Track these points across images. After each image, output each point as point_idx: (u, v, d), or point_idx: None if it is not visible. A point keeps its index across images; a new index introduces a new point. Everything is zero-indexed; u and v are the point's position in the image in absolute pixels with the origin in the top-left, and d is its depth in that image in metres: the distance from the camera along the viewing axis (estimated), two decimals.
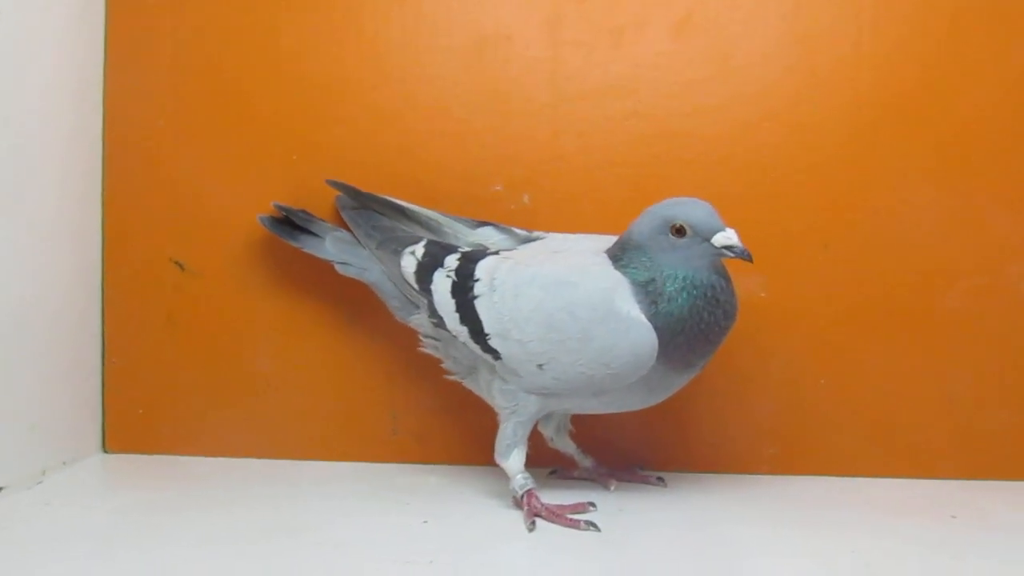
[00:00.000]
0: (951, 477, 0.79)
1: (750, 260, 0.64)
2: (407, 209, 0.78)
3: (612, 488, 0.76)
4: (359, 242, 0.78)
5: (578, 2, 0.80)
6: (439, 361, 0.77)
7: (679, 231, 0.65)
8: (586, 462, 0.78)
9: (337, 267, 0.78)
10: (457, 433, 0.82)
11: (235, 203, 0.82)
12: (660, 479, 0.78)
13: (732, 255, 0.64)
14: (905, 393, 0.80)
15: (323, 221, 0.79)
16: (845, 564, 0.61)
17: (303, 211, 0.79)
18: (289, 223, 0.79)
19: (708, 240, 0.64)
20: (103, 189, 0.83)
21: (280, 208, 0.79)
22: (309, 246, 0.79)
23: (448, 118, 0.81)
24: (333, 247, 0.78)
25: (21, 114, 0.73)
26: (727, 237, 0.64)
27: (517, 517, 0.69)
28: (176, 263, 0.83)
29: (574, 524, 0.67)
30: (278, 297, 0.82)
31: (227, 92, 0.82)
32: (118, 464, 0.82)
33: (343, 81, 0.82)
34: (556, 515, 0.68)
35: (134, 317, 0.83)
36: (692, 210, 0.66)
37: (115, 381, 0.84)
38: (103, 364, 0.83)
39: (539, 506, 0.68)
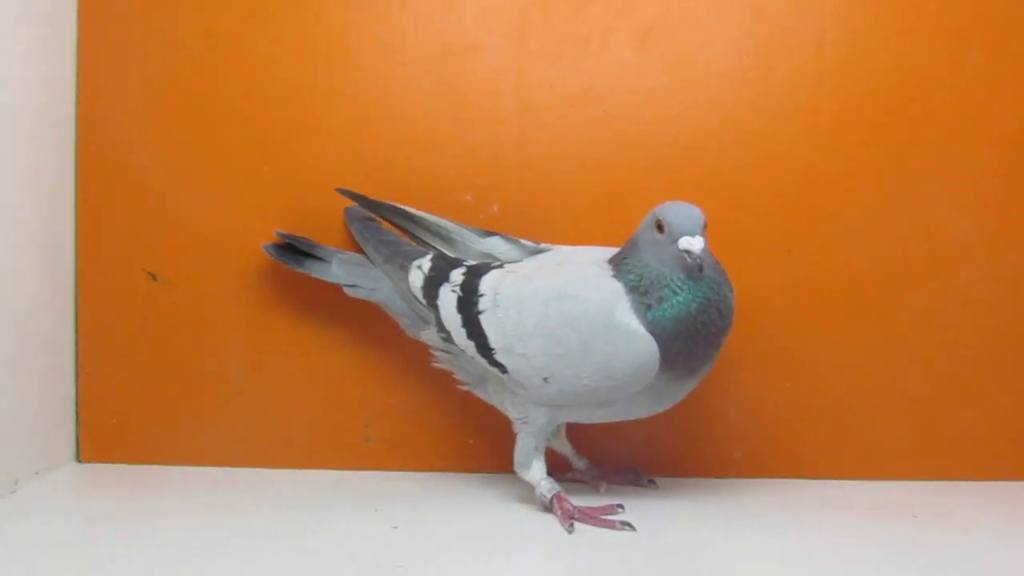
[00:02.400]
0: (913, 478, 0.81)
1: (700, 271, 0.65)
2: (416, 216, 0.79)
3: (602, 491, 0.77)
4: (367, 261, 0.78)
5: (544, 13, 0.81)
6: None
7: (659, 227, 0.67)
8: (580, 464, 0.79)
9: (346, 290, 0.78)
10: (430, 440, 0.83)
11: (207, 213, 0.83)
12: (651, 481, 0.79)
13: (689, 260, 0.65)
14: (867, 395, 0.81)
15: (327, 245, 0.80)
16: (810, 565, 0.62)
17: (305, 238, 0.79)
18: (293, 249, 0.80)
19: (676, 241, 0.66)
20: (76, 198, 0.83)
21: (282, 235, 0.79)
22: (316, 271, 0.79)
23: (416, 128, 0.82)
24: (340, 270, 0.78)
25: None
26: (687, 242, 0.65)
27: (487, 521, 0.70)
28: (149, 273, 0.83)
29: (610, 524, 0.68)
30: (250, 306, 0.83)
31: (200, 101, 0.83)
32: (92, 473, 0.82)
33: (313, 89, 0.82)
34: (590, 516, 0.69)
35: (107, 327, 0.84)
36: (674, 209, 0.67)
37: (89, 391, 0.84)
38: (77, 374, 0.84)
39: (571, 508, 0.69)
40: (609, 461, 0.81)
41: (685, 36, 0.81)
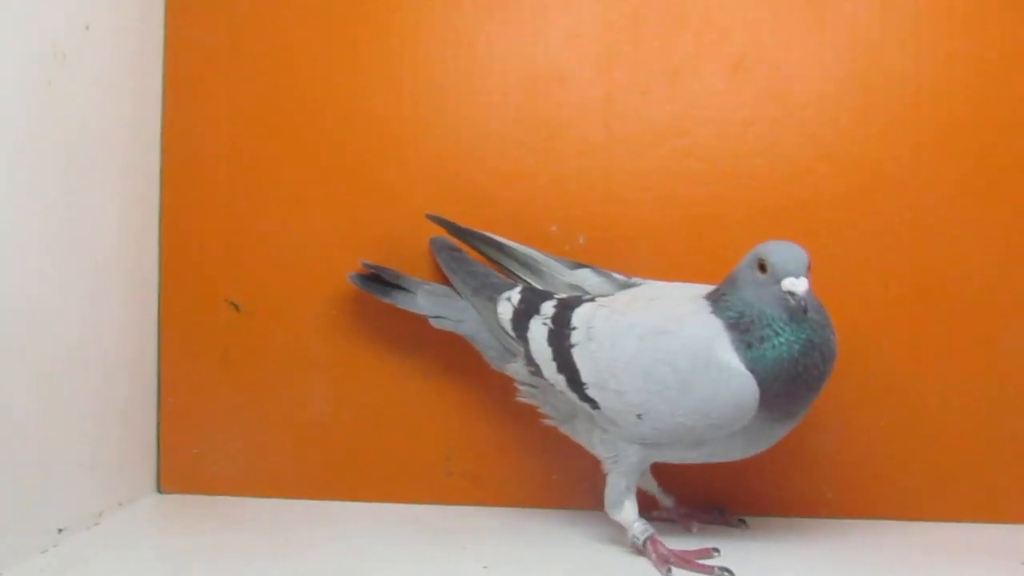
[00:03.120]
0: (1020, 522, 0.78)
1: (804, 313, 0.64)
2: (505, 246, 0.78)
3: (695, 531, 0.75)
4: (452, 292, 0.78)
5: (632, 44, 0.81)
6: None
7: (762, 267, 0.65)
8: (667, 501, 0.78)
9: (431, 321, 0.78)
10: (513, 474, 0.82)
11: (291, 243, 0.83)
12: (742, 521, 0.77)
13: (792, 302, 0.64)
14: (970, 433, 0.79)
15: (412, 276, 0.79)
16: None
17: (391, 269, 0.79)
18: (379, 279, 0.79)
19: (779, 282, 0.64)
20: (160, 227, 0.84)
21: (368, 266, 0.79)
22: (402, 302, 0.78)
23: (502, 158, 0.81)
24: (425, 301, 0.78)
25: (79, 153, 0.73)
26: (792, 283, 0.63)
27: (580, 562, 0.68)
28: (231, 303, 0.83)
29: (708, 570, 0.66)
30: (333, 337, 0.82)
31: (286, 131, 0.83)
32: (172, 505, 0.82)
33: (399, 121, 0.82)
34: (687, 561, 0.66)
35: (190, 357, 0.84)
36: (778, 250, 0.65)
37: (170, 421, 0.84)
38: (159, 404, 0.84)
39: (667, 552, 0.67)
40: (696, 499, 0.79)
41: (777, 65, 0.80)
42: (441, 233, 0.80)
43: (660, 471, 0.77)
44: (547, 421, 0.76)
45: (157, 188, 0.84)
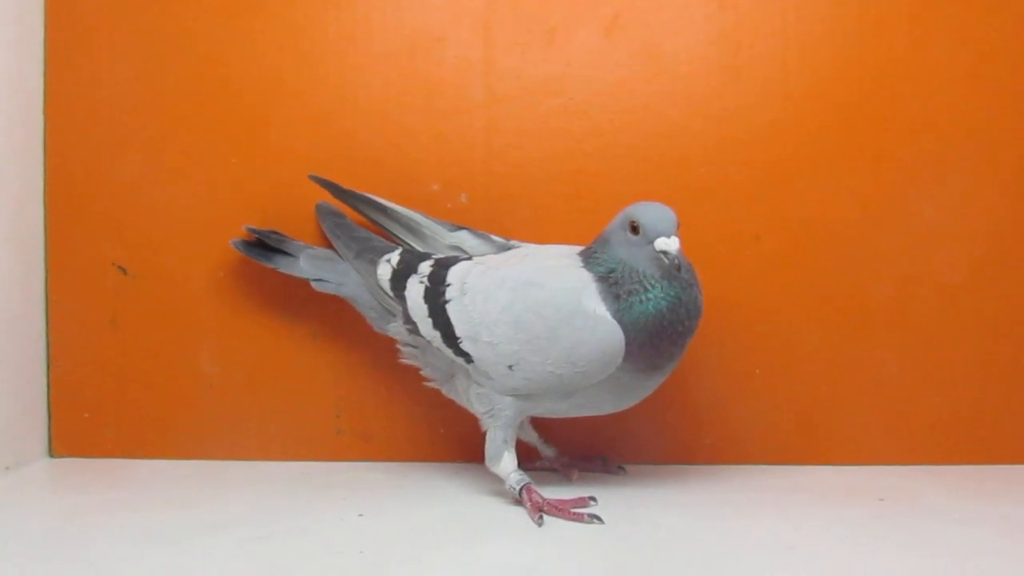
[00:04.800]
0: (881, 463, 0.81)
1: (678, 271, 0.66)
2: (388, 208, 0.79)
3: (574, 479, 0.77)
4: (335, 255, 0.79)
5: (510, 4, 0.82)
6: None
7: (634, 228, 0.67)
8: (548, 452, 0.80)
9: (313, 284, 0.79)
10: (402, 430, 0.83)
11: (177, 206, 0.83)
12: (621, 468, 0.79)
13: (666, 261, 0.66)
14: (836, 381, 0.82)
15: (295, 240, 0.80)
16: (777, 549, 0.62)
17: (274, 232, 0.80)
18: (262, 245, 0.80)
19: (651, 242, 0.66)
20: (45, 192, 0.84)
21: (252, 231, 0.79)
22: (284, 266, 0.79)
23: (384, 119, 0.82)
24: (307, 265, 0.79)
25: None
26: (664, 243, 0.66)
27: (454, 510, 0.70)
28: (118, 267, 0.83)
29: (578, 517, 0.67)
30: (221, 299, 0.83)
31: (166, 96, 0.83)
32: (64, 468, 0.82)
33: (280, 84, 0.83)
34: (559, 509, 0.68)
35: (78, 321, 0.84)
36: (649, 211, 0.67)
37: (60, 385, 0.84)
38: (48, 368, 0.84)
39: (540, 500, 0.68)
40: (578, 449, 0.81)
41: (650, 25, 0.81)
42: (324, 195, 0.80)
43: (543, 423, 0.80)
44: (429, 384, 0.77)
45: (41, 152, 0.83)
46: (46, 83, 0.83)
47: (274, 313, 0.83)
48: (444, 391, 0.76)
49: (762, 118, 0.81)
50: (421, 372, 0.77)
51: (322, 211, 0.80)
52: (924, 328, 0.81)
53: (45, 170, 0.84)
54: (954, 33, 0.81)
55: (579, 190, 0.81)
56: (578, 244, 0.73)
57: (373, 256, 0.76)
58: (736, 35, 0.81)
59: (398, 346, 0.77)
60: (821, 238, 0.81)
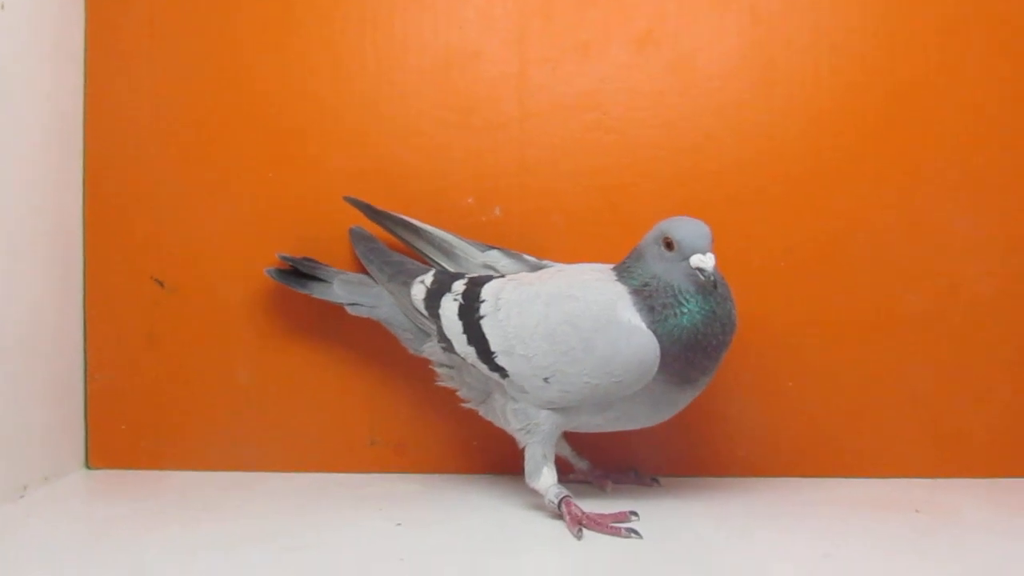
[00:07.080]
0: (917, 476, 0.81)
1: (713, 288, 0.66)
2: (421, 229, 0.80)
3: (609, 490, 0.77)
4: (368, 279, 0.80)
5: (544, 19, 0.83)
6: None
7: (668, 244, 0.67)
8: (581, 464, 0.80)
9: (348, 308, 0.79)
10: (435, 442, 0.84)
11: (215, 221, 0.84)
12: (655, 480, 0.79)
13: (702, 278, 0.66)
14: (871, 393, 0.82)
15: (328, 266, 0.81)
16: (813, 561, 0.62)
17: (308, 259, 0.81)
18: (296, 272, 0.81)
19: (687, 259, 0.66)
20: (84, 207, 0.85)
21: (285, 259, 0.80)
22: (318, 292, 0.80)
23: (419, 135, 0.83)
24: (341, 289, 0.80)
25: None
26: (700, 260, 0.66)
27: (492, 522, 0.70)
28: (156, 281, 0.84)
29: (616, 532, 0.67)
30: (257, 312, 0.84)
31: (204, 113, 0.84)
32: (101, 480, 0.83)
33: (316, 101, 0.84)
34: (598, 523, 0.67)
35: (115, 334, 0.85)
36: (684, 227, 0.68)
37: (98, 397, 0.85)
38: (85, 380, 0.85)
39: (580, 513, 0.68)
40: (611, 461, 0.81)
41: (683, 39, 0.82)
42: (358, 216, 0.81)
43: (577, 437, 0.80)
44: (466, 405, 0.77)
45: (80, 166, 0.85)
46: (86, 100, 0.85)
47: (309, 326, 0.84)
48: (481, 412, 0.76)
49: (794, 131, 0.81)
50: (458, 393, 0.77)
51: (355, 236, 0.81)
52: (958, 340, 0.81)
53: (84, 185, 0.85)
54: (986, 45, 0.81)
55: (612, 204, 0.82)
56: (611, 257, 0.73)
57: (407, 278, 0.77)
58: (769, 48, 0.82)
59: (433, 367, 0.78)
60: (853, 250, 0.81)
